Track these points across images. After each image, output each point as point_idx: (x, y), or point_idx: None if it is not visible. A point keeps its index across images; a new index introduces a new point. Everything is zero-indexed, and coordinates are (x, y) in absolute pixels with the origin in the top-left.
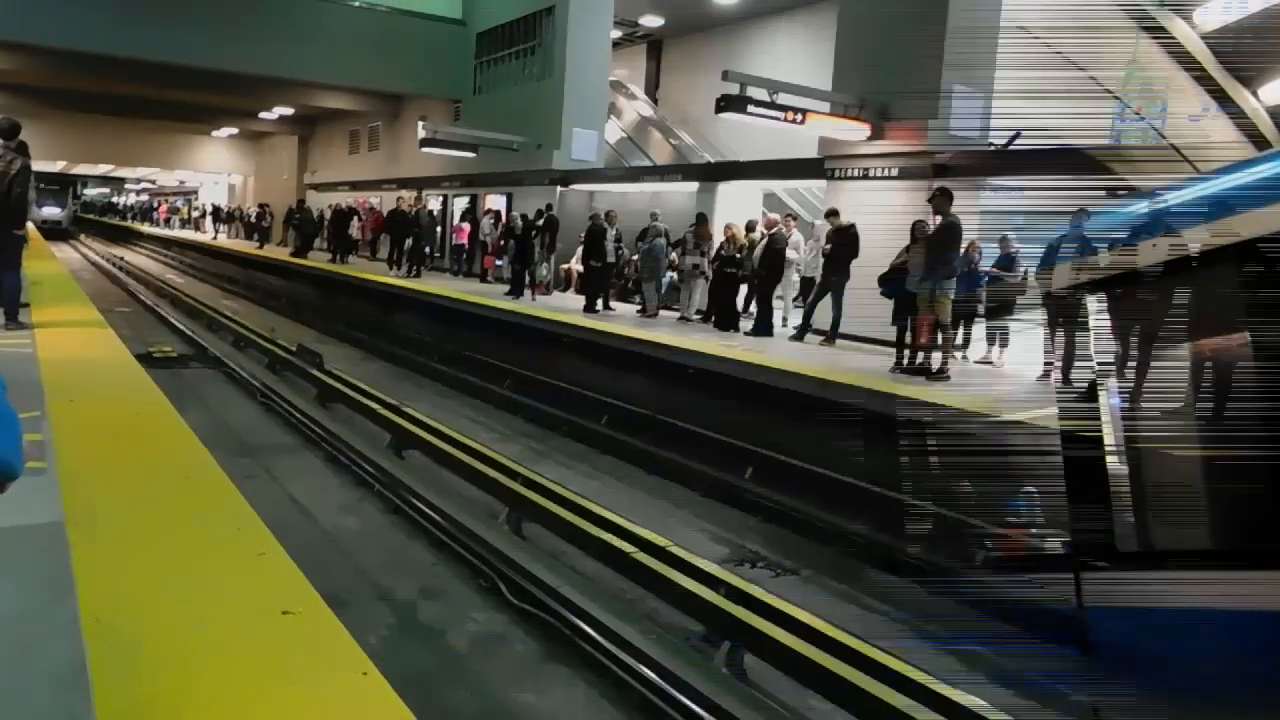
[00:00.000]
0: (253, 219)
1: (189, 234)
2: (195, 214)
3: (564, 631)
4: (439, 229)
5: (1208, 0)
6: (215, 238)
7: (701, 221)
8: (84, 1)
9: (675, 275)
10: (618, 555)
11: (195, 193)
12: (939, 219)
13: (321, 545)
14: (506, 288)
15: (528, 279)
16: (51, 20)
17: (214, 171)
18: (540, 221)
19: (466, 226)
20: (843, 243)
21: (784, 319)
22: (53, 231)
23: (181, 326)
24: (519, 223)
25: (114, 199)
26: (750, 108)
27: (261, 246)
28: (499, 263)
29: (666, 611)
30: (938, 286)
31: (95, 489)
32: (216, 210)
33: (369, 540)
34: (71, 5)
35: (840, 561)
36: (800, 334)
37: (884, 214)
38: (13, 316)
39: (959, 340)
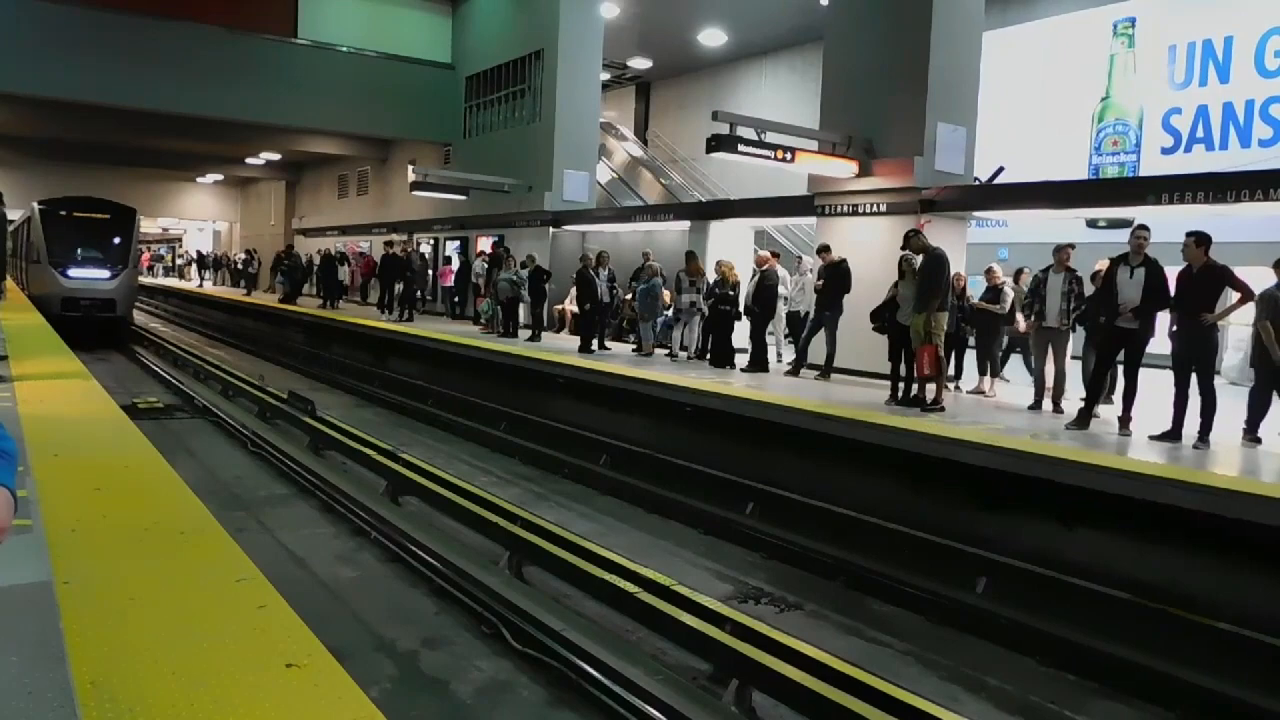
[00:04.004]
0: (240, 265)
1: (174, 281)
2: (180, 261)
3: (569, 675)
4: (430, 272)
5: None
6: (201, 285)
7: (691, 259)
8: (66, 50)
9: (671, 314)
10: (621, 596)
11: (179, 240)
12: (923, 255)
13: (319, 596)
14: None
15: (525, 319)
16: (32, 69)
17: (199, 218)
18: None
19: (451, 267)
20: (835, 277)
21: (778, 355)
22: (89, 320)
23: (167, 375)
24: (522, 273)
25: None
26: (740, 147)
27: (249, 293)
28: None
29: (673, 651)
30: (931, 318)
31: (85, 546)
32: (201, 257)
33: (368, 590)
34: (52, 54)
35: (844, 594)
36: (795, 369)
37: (874, 248)
38: None
39: (951, 371)
